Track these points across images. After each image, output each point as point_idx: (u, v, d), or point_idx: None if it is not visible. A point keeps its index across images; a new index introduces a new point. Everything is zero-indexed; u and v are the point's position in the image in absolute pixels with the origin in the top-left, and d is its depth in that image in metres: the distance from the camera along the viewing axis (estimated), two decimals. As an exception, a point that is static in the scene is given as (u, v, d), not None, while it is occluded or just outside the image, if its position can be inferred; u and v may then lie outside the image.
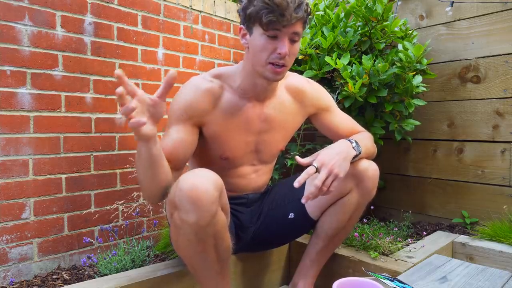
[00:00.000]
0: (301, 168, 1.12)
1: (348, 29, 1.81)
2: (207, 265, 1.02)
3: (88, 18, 1.53)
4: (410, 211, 2.00)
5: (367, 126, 1.78)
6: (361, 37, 1.82)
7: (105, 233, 1.56)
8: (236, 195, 1.29)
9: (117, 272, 1.28)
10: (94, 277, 1.34)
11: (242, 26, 1.11)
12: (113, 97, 1.61)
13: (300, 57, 1.81)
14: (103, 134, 1.58)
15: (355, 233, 1.56)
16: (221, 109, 1.17)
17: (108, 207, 1.60)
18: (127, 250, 1.41)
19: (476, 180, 1.90)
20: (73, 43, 1.49)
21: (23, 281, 1.35)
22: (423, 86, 1.76)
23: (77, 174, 1.51)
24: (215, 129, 1.18)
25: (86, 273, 1.40)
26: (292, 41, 1.07)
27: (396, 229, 1.80)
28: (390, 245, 1.52)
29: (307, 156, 1.15)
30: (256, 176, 1.31)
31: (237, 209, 1.30)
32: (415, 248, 1.52)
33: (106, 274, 1.27)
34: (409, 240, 1.62)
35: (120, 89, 0.81)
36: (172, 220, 0.97)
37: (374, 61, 1.75)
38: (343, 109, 1.50)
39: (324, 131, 1.38)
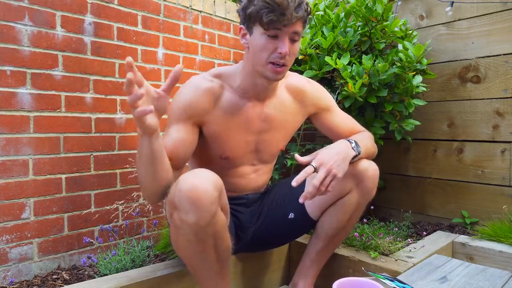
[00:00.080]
0: (300, 168, 1.11)
1: (348, 29, 1.81)
2: (207, 265, 1.02)
3: (88, 18, 1.53)
4: (410, 211, 2.00)
5: (367, 126, 1.78)
6: (361, 37, 1.82)
7: (105, 233, 1.56)
8: (236, 195, 1.29)
9: (117, 272, 1.28)
10: (94, 277, 1.34)
11: (242, 26, 1.11)
12: (113, 97, 1.61)
13: (300, 57, 1.81)
14: (103, 134, 1.58)
15: (355, 233, 1.56)
16: (221, 109, 1.17)
17: (108, 207, 1.60)
18: (127, 250, 1.41)
19: (476, 180, 1.90)
20: (73, 43, 1.49)
21: (23, 281, 1.35)
22: (423, 86, 1.76)
23: (77, 174, 1.51)
24: (215, 129, 1.18)
25: (86, 273, 1.40)
26: (293, 41, 1.07)
27: (396, 229, 1.80)
28: (390, 245, 1.52)
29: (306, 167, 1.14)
30: (256, 176, 1.31)
31: (237, 209, 1.30)
32: (415, 248, 1.52)
33: (106, 274, 1.27)
34: (409, 240, 1.62)
35: (130, 74, 0.80)
36: (171, 221, 0.97)
37: (374, 61, 1.75)
38: (343, 109, 1.50)
39: (324, 131, 1.38)
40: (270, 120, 1.24)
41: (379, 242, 1.51)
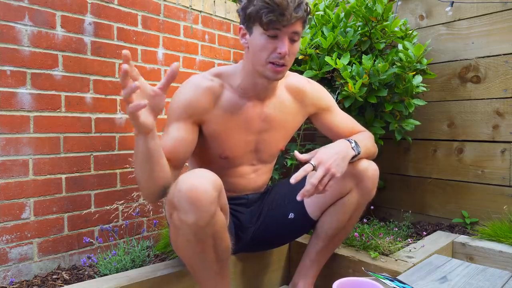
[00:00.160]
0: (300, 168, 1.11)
1: (348, 29, 1.81)
2: (206, 265, 1.02)
3: (88, 18, 1.53)
4: (410, 211, 2.00)
5: (367, 126, 1.78)
6: (361, 37, 1.82)
7: (105, 233, 1.56)
8: (236, 195, 1.29)
9: (117, 272, 1.28)
10: (94, 277, 1.34)
11: (241, 26, 1.11)
12: (113, 97, 1.61)
13: (300, 57, 1.81)
14: (103, 134, 1.58)
15: (355, 233, 1.56)
16: (221, 108, 1.17)
17: (108, 207, 1.60)
18: (127, 250, 1.41)
19: (476, 180, 1.90)
20: (73, 43, 1.49)
21: (23, 281, 1.35)
22: (423, 86, 1.76)
23: (77, 174, 1.51)
24: (215, 128, 1.18)
25: (86, 273, 1.40)
26: (292, 41, 1.07)
27: (396, 229, 1.80)
28: (390, 245, 1.52)
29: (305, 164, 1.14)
30: (255, 176, 1.31)
31: (237, 209, 1.30)
32: (415, 248, 1.52)
33: (106, 274, 1.28)
34: (409, 240, 1.62)
35: (126, 66, 0.78)
36: (171, 221, 0.97)
37: (374, 61, 1.75)
38: (343, 109, 1.50)
39: (324, 131, 1.38)
40: (270, 120, 1.24)
41: (379, 242, 1.51)
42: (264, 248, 1.49)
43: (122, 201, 1.64)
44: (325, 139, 2.15)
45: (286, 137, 1.33)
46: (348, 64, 1.71)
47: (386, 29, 1.78)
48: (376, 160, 1.31)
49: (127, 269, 1.30)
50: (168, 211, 0.98)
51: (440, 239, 1.68)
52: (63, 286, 1.29)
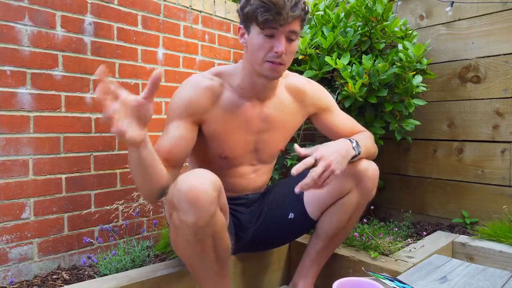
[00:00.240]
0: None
1: (348, 29, 1.81)
2: (206, 265, 1.02)
3: (88, 18, 1.53)
4: (410, 211, 2.00)
5: (367, 126, 1.78)
6: (361, 37, 1.82)
7: (105, 233, 1.56)
8: (236, 195, 1.29)
9: (117, 272, 1.28)
10: (94, 277, 1.34)
11: (240, 25, 1.12)
12: (113, 97, 1.61)
13: (300, 57, 1.81)
14: (103, 134, 1.58)
15: (355, 233, 1.56)
16: (221, 107, 1.17)
17: (108, 207, 1.60)
18: (127, 250, 1.41)
19: (476, 180, 1.90)
20: (73, 43, 1.49)
21: (23, 281, 1.35)
22: (423, 86, 1.76)
23: (77, 174, 1.51)
24: (215, 128, 1.18)
25: (86, 273, 1.40)
26: (289, 40, 1.07)
27: (396, 229, 1.80)
28: (390, 245, 1.52)
29: (305, 158, 1.14)
30: (255, 176, 1.31)
31: (237, 210, 1.30)
32: (415, 248, 1.52)
33: (106, 274, 1.28)
34: (409, 240, 1.62)
35: (100, 87, 0.78)
36: (171, 221, 0.97)
37: (374, 61, 1.75)
38: (343, 109, 1.50)
39: (324, 131, 1.38)
40: (269, 120, 1.24)
41: (379, 242, 1.51)
42: (264, 248, 1.49)
43: (122, 201, 1.64)
44: (325, 139, 2.14)
45: (286, 137, 1.33)
46: (348, 64, 1.71)
47: (386, 29, 1.78)
48: (376, 160, 1.31)
49: (127, 269, 1.30)
50: (168, 211, 0.98)
51: (440, 239, 1.68)
52: (63, 286, 1.29)
